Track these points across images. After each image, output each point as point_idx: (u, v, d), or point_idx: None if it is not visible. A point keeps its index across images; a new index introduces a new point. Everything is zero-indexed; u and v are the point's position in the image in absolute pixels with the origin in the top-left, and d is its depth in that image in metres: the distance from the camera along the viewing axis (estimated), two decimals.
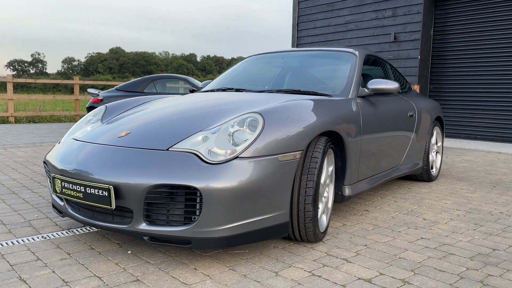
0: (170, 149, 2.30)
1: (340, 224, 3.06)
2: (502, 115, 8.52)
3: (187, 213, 2.17)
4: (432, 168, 4.62)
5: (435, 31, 9.20)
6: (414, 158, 4.25)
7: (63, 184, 2.39)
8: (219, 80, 3.99)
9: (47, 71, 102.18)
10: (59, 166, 2.51)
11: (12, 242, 2.58)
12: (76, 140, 2.75)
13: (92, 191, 2.25)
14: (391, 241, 2.75)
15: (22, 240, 2.62)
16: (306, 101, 2.70)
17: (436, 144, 4.77)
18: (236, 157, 2.19)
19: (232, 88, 3.58)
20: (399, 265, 2.36)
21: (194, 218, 2.16)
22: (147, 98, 3.38)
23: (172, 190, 2.15)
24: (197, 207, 2.15)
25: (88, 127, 2.95)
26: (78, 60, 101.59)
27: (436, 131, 4.73)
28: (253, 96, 3.05)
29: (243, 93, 3.32)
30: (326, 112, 2.73)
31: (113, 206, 2.20)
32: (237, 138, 2.28)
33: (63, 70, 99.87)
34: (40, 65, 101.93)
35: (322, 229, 2.69)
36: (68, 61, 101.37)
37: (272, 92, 3.29)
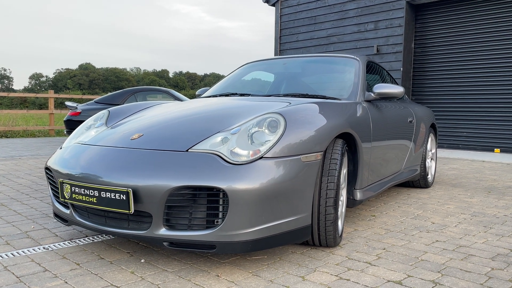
0: (189, 150, 2.20)
1: (352, 229, 3.00)
2: (483, 124, 8.73)
3: (210, 216, 2.07)
4: (428, 175, 4.64)
5: (415, 43, 9.42)
6: (413, 164, 4.26)
7: (73, 189, 2.24)
8: (218, 86, 3.91)
9: (13, 87, 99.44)
10: (66, 171, 2.36)
11: (12, 254, 2.40)
12: (82, 144, 2.60)
13: (108, 195, 2.11)
14: (408, 244, 2.70)
15: (23, 252, 2.44)
16: (322, 103, 2.65)
17: (431, 151, 4.81)
18: (261, 157, 2.11)
19: (236, 93, 3.50)
20: (424, 267, 2.31)
21: (217, 221, 2.06)
22: (151, 103, 3.27)
23: (195, 192, 2.04)
24: (221, 209, 2.05)
25: (91, 131, 2.80)
26: (46, 76, 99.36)
27: (431, 138, 4.77)
28: (262, 99, 2.99)
29: (250, 97, 3.25)
30: (341, 114, 2.69)
31: (132, 211, 2.07)
32: (256, 139, 2.20)
33: (30, 86, 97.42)
34: (6, 81, 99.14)
35: (339, 233, 2.62)
36: (35, 77, 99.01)
37: (279, 95, 3.23)
